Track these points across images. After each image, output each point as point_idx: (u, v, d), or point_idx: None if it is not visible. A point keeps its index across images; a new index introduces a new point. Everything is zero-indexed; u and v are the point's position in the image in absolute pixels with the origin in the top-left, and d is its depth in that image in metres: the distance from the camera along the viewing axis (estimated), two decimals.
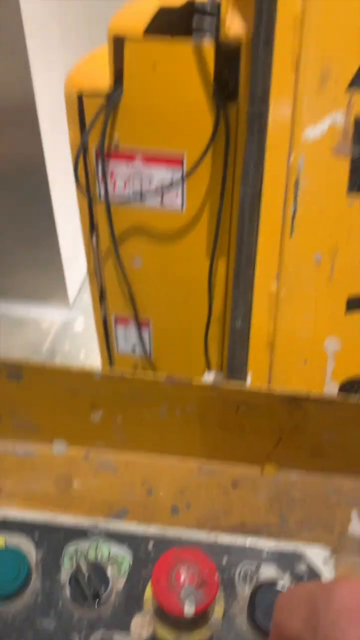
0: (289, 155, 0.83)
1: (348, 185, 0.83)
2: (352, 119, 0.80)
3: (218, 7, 0.84)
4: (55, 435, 0.65)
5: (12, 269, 2.12)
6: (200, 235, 1.04)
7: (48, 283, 2.14)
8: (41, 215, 1.90)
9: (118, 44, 0.88)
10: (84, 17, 1.96)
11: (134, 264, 1.10)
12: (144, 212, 1.03)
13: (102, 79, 0.93)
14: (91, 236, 1.09)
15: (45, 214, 1.89)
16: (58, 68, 1.75)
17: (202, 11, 0.87)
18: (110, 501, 0.61)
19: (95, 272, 1.15)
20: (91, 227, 1.08)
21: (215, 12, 0.85)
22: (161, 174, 0.98)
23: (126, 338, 1.24)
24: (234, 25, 0.84)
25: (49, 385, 0.60)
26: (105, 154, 0.96)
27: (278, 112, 0.81)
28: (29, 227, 1.95)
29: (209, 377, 1.13)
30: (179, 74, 0.88)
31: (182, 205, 1.01)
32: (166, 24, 0.89)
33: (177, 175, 0.98)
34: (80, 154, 0.97)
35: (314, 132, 0.82)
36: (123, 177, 1.00)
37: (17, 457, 0.65)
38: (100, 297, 1.20)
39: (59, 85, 0.95)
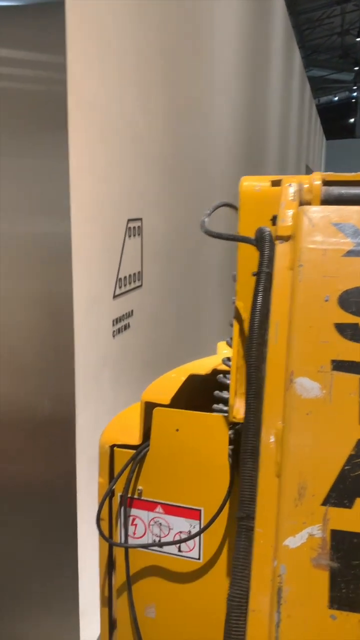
0: (273, 561, 0.87)
1: (329, 600, 0.83)
2: (328, 534, 0.84)
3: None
4: None
5: (24, 612, 1.99)
6: (217, 584, 1.05)
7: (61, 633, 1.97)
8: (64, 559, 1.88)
9: (148, 409, 1.07)
10: None
11: (147, 613, 1.10)
12: (161, 559, 1.07)
13: (133, 435, 1.09)
14: (107, 580, 1.12)
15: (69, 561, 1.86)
16: None
17: (221, 387, 1.06)
18: None
19: (110, 629, 1.14)
20: (108, 570, 1.11)
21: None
22: (180, 524, 1.06)
23: None
24: (240, 408, 0.97)
25: None
26: (129, 501, 1.07)
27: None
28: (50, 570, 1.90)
29: None
30: (198, 438, 1.02)
31: (200, 554, 1.06)
32: (192, 388, 1.07)
33: (195, 526, 1.05)
34: (107, 497, 1.08)
35: (294, 541, 0.85)
36: (144, 524, 1.07)
37: None
38: None
39: None
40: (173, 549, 1.07)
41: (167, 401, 1.06)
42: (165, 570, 1.08)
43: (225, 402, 1.02)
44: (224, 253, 4.20)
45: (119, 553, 1.10)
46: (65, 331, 1.71)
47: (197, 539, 1.04)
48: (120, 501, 1.08)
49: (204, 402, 1.08)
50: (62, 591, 1.90)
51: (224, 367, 1.12)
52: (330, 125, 18.40)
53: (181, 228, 2.91)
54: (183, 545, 1.06)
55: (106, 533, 1.10)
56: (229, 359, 1.07)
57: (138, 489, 1.07)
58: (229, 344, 1.07)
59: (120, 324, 2.11)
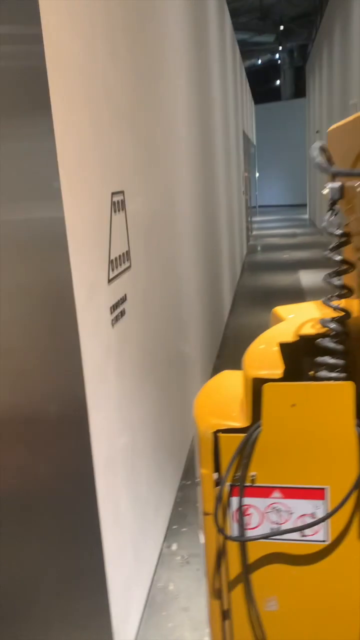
0: None
1: None
2: None
3: (341, 348, 0.92)
4: None
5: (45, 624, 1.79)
6: (350, 568, 0.96)
7: None
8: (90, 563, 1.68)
9: (257, 386, 0.93)
10: None
11: (268, 606, 1.01)
12: (282, 547, 0.98)
13: (233, 417, 0.98)
14: (216, 576, 1.02)
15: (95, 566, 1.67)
16: None
17: (324, 352, 0.95)
18: None
19: (223, 626, 1.03)
20: (217, 563, 1.02)
21: (342, 355, 0.92)
22: (302, 507, 0.95)
23: None
24: None
25: None
26: (240, 490, 0.96)
27: None
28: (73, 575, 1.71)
29: None
30: (319, 412, 0.91)
31: (326, 535, 0.95)
32: (286, 355, 0.96)
33: (320, 506, 0.94)
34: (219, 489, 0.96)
35: None
36: (259, 512, 0.98)
37: None
38: None
39: None
40: (295, 534, 0.97)
41: (279, 375, 0.94)
42: (287, 558, 0.98)
43: (331, 367, 0.93)
44: (204, 223, 4.01)
45: (230, 545, 1.00)
46: (68, 324, 1.49)
47: (323, 521, 0.94)
48: (230, 491, 0.97)
49: (291, 372, 0.96)
50: (89, 601, 1.72)
51: (310, 332, 1.02)
52: (257, 89, 18.31)
53: (162, 200, 2.69)
54: (308, 531, 0.96)
55: (213, 527, 0.98)
56: (332, 319, 0.98)
57: (251, 476, 0.96)
58: (328, 304, 0.97)
59: (117, 311, 1.89)
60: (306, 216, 17.33)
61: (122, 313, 1.95)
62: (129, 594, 1.96)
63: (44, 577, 1.72)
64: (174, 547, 2.52)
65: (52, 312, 1.49)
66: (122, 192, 1.97)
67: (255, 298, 7.23)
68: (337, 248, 0.95)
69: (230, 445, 0.96)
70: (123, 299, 1.97)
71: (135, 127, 2.25)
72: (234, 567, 1.01)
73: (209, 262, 4.80)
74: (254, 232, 14.07)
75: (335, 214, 0.93)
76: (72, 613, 1.74)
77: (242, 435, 0.95)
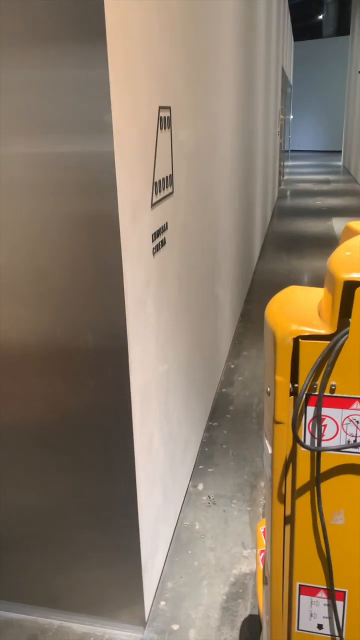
0: None
1: None
2: None
3: None
4: None
5: (72, 569, 1.76)
6: None
7: (119, 592, 1.76)
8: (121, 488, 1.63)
9: (349, 289, 0.88)
10: None
11: (335, 520, 0.98)
12: (356, 460, 0.94)
13: (314, 323, 0.92)
14: (282, 484, 0.99)
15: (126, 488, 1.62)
16: None
17: None
18: None
19: (283, 530, 1.00)
20: (284, 475, 0.99)
21: None
22: None
23: (312, 613, 1.05)
24: None
25: None
26: (317, 399, 0.93)
27: None
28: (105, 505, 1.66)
29: None
30: None
31: None
32: None
33: None
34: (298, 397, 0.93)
35: None
36: (335, 423, 0.95)
37: None
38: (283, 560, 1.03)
39: None
40: None
41: None
42: (359, 471, 0.94)
43: None
44: (242, 160, 3.77)
45: (301, 456, 0.96)
46: (112, 251, 1.38)
47: None
48: (306, 400, 0.93)
49: None
50: (121, 534, 1.68)
51: None
52: (297, 25, 17.30)
53: (206, 125, 2.51)
54: None
55: (284, 436, 0.95)
56: None
57: (332, 385, 0.92)
58: None
59: (158, 240, 1.76)
60: (340, 163, 16.72)
61: (163, 242, 1.83)
62: (158, 529, 1.92)
63: (78, 508, 1.68)
64: (200, 486, 2.49)
65: (96, 234, 1.37)
66: (168, 108, 1.81)
67: (285, 244, 7.02)
68: None
69: (311, 352, 0.91)
70: (164, 227, 1.84)
71: (186, 40, 2.06)
72: (302, 477, 0.98)
73: (244, 201, 4.61)
74: (286, 177, 13.62)
75: None
76: (104, 544, 1.70)
77: (326, 342, 0.90)
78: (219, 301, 3.26)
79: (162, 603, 1.91)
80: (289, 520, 1.01)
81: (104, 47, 1.23)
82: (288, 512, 1.02)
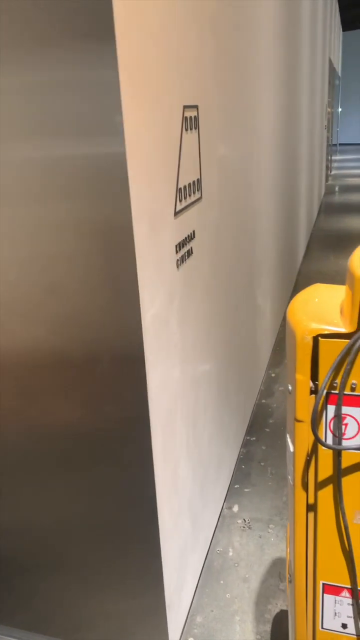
0: None
1: None
2: None
3: None
4: None
5: (88, 604, 1.65)
6: None
7: (141, 628, 1.64)
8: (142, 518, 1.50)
9: None
10: None
11: (358, 519, 0.97)
12: None
13: (335, 321, 0.91)
14: (304, 483, 0.98)
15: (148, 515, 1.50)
16: None
17: None
18: None
19: (306, 529, 1.00)
20: (305, 474, 0.98)
21: None
22: None
23: (335, 612, 1.05)
24: None
25: None
26: (337, 398, 0.92)
27: None
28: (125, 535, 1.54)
29: None
30: None
31: None
32: None
33: None
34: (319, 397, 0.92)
35: None
36: (356, 422, 0.93)
37: None
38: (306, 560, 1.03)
39: None
40: None
41: None
42: None
43: None
44: (284, 156, 3.58)
45: (322, 455, 0.95)
46: (125, 263, 1.25)
47: None
48: (326, 399, 0.92)
49: None
50: (142, 571, 1.56)
51: None
52: (346, 14, 16.74)
53: (240, 123, 2.35)
54: None
55: (305, 434, 0.94)
56: None
57: (352, 384, 0.91)
58: None
59: (184, 251, 1.62)
60: None
61: (190, 252, 1.69)
62: (186, 560, 1.79)
63: (98, 538, 1.57)
64: (235, 508, 2.34)
65: (109, 246, 1.24)
66: (195, 107, 1.66)
67: (333, 243, 6.75)
68: None
69: (331, 351, 0.91)
70: (191, 236, 1.69)
71: (217, 33, 1.90)
72: (323, 476, 0.97)
73: (286, 200, 4.41)
74: (334, 172, 13.22)
75: None
76: (125, 579, 1.58)
77: (346, 341, 0.90)
78: (259, 308, 3.10)
79: (191, 639, 1.78)
80: (311, 518, 1.00)
81: (111, 44, 1.10)
82: (310, 512, 1.01)
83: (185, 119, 1.56)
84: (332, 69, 11.54)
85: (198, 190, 1.75)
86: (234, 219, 2.38)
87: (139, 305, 1.28)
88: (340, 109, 18.20)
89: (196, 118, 1.67)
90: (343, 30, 17.30)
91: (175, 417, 1.62)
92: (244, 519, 2.28)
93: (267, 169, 3.28)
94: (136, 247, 1.24)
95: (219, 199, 2.06)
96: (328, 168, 11.81)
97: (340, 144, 18.64)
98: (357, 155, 17.02)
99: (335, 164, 14.47)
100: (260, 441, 2.80)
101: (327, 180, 11.32)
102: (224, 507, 2.34)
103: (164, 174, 1.43)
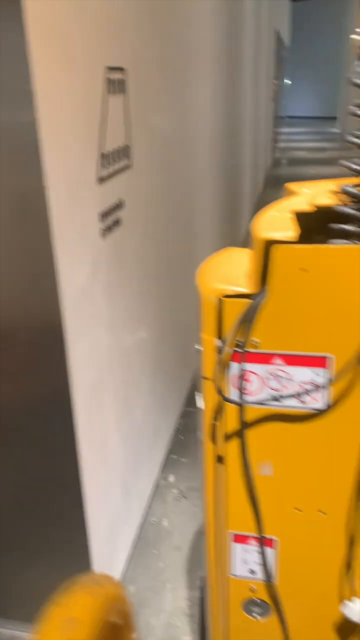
0: None
1: None
2: None
3: None
4: None
5: (16, 576, 1.63)
6: (345, 437, 0.95)
7: None
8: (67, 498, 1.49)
9: (268, 249, 0.89)
10: None
11: (263, 471, 1.01)
12: (280, 413, 0.98)
13: (238, 282, 0.94)
14: (212, 439, 1.02)
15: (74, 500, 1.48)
16: None
17: (350, 218, 0.89)
18: None
19: (214, 481, 1.04)
20: (213, 429, 1.02)
21: None
22: (303, 375, 0.94)
23: (244, 559, 1.10)
24: None
25: None
26: (241, 355, 0.95)
27: None
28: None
29: (354, 606, 1.02)
30: (330, 277, 0.87)
31: (325, 405, 0.95)
32: (304, 227, 0.91)
33: (321, 374, 0.93)
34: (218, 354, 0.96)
35: None
36: (260, 378, 0.97)
37: None
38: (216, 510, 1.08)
39: None
40: (294, 401, 0.96)
41: (294, 237, 0.88)
42: (284, 424, 0.98)
43: (348, 235, 0.88)
44: (225, 128, 3.53)
45: (229, 410, 0.99)
46: (41, 235, 1.20)
47: (323, 388, 0.94)
48: (231, 356, 0.95)
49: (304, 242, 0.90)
50: (68, 542, 1.55)
51: (327, 202, 0.95)
52: None
53: (174, 90, 2.29)
54: (307, 398, 0.95)
55: (212, 391, 0.98)
56: (354, 185, 0.94)
57: (254, 341, 0.94)
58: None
59: (110, 220, 1.58)
60: (337, 130, 16.30)
61: (117, 222, 1.64)
62: (117, 531, 1.79)
63: (25, 518, 1.54)
64: (171, 478, 2.35)
65: (23, 217, 1.19)
66: (121, 70, 1.60)
67: None
68: None
69: (234, 310, 0.94)
70: (118, 205, 1.65)
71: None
72: (230, 430, 1.00)
73: (228, 171, 4.38)
74: (282, 145, 13.27)
75: None
76: (52, 553, 1.57)
77: (248, 300, 0.93)
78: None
79: None
80: (219, 471, 1.04)
81: (17, 2, 1.03)
82: (218, 466, 1.05)
83: (109, 81, 1.50)
84: (279, 40, 11.49)
85: (127, 157, 1.70)
86: (170, 189, 2.34)
87: (57, 276, 1.24)
88: (288, 82, 18.20)
89: (123, 81, 1.61)
90: (293, 1, 17.20)
91: (103, 389, 1.59)
92: (180, 489, 2.29)
93: (205, 140, 3.24)
94: (53, 214, 1.19)
95: (152, 167, 2.02)
96: (275, 140, 11.84)
97: (289, 117, 18.68)
98: (306, 129, 17.13)
99: (283, 137, 14.52)
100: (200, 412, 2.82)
101: (273, 152, 11.35)
102: (160, 477, 2.35)
103: (85, 138, 1.37)
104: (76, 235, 1.34)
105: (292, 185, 1.23)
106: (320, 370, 0.94)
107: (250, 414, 0.99)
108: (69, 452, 1.40)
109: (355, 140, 0.94)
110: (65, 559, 1.57)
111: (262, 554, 1.08)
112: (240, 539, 1.09)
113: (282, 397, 0.97)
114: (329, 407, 0.95)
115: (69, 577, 1.57)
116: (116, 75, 1.56)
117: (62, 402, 1.35)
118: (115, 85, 1.56)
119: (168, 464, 2.43)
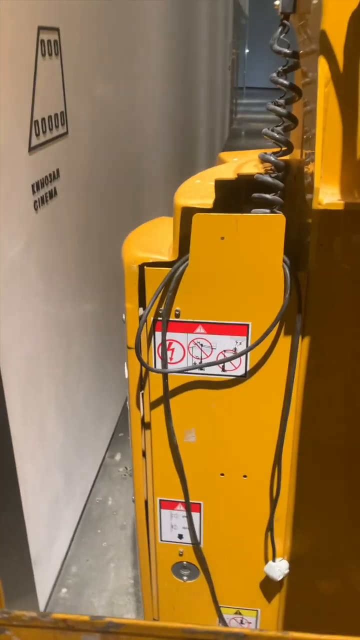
0: None
1: None
2: None
3: (281, 184, 0.89)
4: None
5: None
6: (266, 403, 0.98)
7: (10, 587, 1.59)
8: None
9: (186, 217, 0.89)
10: None
11: (187, 438, 1.04)
12: (202, 380, 0.99)
13: (161, 251, 0.94)
14: (138, 408, 1.03)
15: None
16: None
17: (270, 187, 0.89)
18: None
19: (143, 453, 1.07)
20: (138, 399, 1.03)
21: (281, 189, 0.89)
22: (224, 343, 0.96)
23: (172, 524, 1.13)
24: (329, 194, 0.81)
25: None
26: (163, 325, 0.96)
27: None
28: None
29: (276, 566, 1.08)
30: (248, 245, 0.88)
31: (246, 372, 0.97)
32: (223, 195, 0.92)
33: (242, 342, 0.95)
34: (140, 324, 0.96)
35: None
36: (182, 347, 0.98)
37: None
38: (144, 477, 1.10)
39: None
40: (216, 369, 0.98)
41: (210, 205, 0.88)
42: (207, 392, 1.00)
43: (269, 204, 0.88)
44: (178, 97, 3.43)
45: (153, 379, 1.00)
46: None
47: (243, 356, 0.95)
48: (153, 326, 0.96)
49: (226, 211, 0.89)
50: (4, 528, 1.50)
51: (251, 171, 0.95)
52: None
53: (118, 54, 2.18)
54: (227, 364, 0.97)
55: (136, 360, 0.97)
56: (274, 153, 0.93)
57: (175, 311, 0.95)
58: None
59: (43, 191, 1.50)
60: None
61: (52, 193, 1.56)
62: (58, 513, 1.75)
63: None
64: (118, 457, 2.33)
65: None
66: (56, 30, 1.50)
67: None
68: (287, 72, 0.91)
69: (156, 279, 0.93)
70: (54, 175, 1.57)
71: None
72: (154, 399, 1.01)
73: (181, 142, 4.29)
74: (239, 116, 13.15)
75: (286, 32, 0.86)
76: None
77: (168, 269, 0.92)
78: None
79: (64, 590, 1.77)
80: (147, 439, 1.06)
81: None
82: (145, 436, 1.06)
83: (41, 42, 1.40)
84: (237, 8, 11.27)
85: (63, 125, 1.61)
86: (114, 159, 2.25)
87: None
88: (247, 50, 17.97)
89: (57, 42, 1.51)
90: None
91: (40, 370, 1.53)
92: (126, 467, 2.27)
93: (156, 108, 3.14)
94: None
95: (92, 136, 1.93)
96: (233, 112, 11.71)
97: (247, 88, 18.49)
98: (265, 100, 16.98)
99: (241, 108, 14.38)
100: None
101: (231, 124, 11.24)
102: (106, 456, 2.31)
103: (14, 105, 1.28)
104: (5, 208, 1.25)
105: (224, 155, 1.20)
106: (241, 339, 0.96)
107: (174, 382, 1.00)
108: (1, 436, 1.34)
109: (276, 108, 0.93)
110: (3, 546, 1.52)
111: (189, 518, 1.11)
112: (168, 505, 1.12)
113: (204, 365, 0.98)
114: (249, 374, 0.98)
115: (6, 562, 1.53)
116: (50, 36, 1.46)
117: None
118: (49, 46, 1.46)
119: (115, 443, 2.40)
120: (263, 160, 0.94)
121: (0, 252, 1.24)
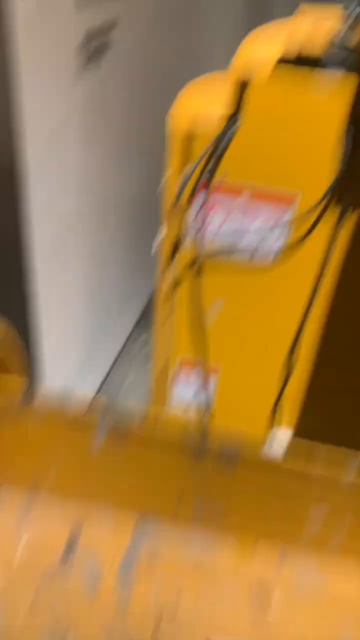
0: None
1: None
2: None
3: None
4: None
5: None
6: (297, 283, 0.97)
7: None
8: None
9: (248, 71, 0.82)
10: None
11: (215, 306, 1.05)
12: (239, 249, 0.97)
13: (213, 111, 0.87)
14: (167, 271, 1.01)
15: None
16: None
17: (339, 46, 0.80)
18: None
19: (169, 310, 1.07)
20: (172, 256, 1.01)
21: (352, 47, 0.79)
22: (267, 213, 0.92)
23: (188, 383, 1.17)
24: None
25: None
26: (208, 186, 0.90)
27: None
28: None
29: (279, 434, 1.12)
30: (310, 106, 0.82)
31: (283, 248, 0.95)
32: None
33: (284, 215, 0.92)
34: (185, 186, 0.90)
35: None
36: (224, 213, 0.94)
37: None
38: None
39: None
40: (255, 238, 0.93)
41: (268, 68, 0.79)
42: (240, 266, 0.97)
43: (338, 61, 0.77)
44: None
45: (187, 243, 0.97)
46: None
47: (284, 229, 0.92)
48: (197, 186, 0.90)
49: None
50: None
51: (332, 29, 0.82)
52: None
53: None
54: (267, 239, 0.93)
55: (175, 218, 0.93)
56: None
57: (221, 174, 0.90)
58: None
59: (97, 42, 1.31)
60: None
61: (105, 46, 1.37)
62: (75, 388, 1.76)
63: None
64: (143, 337, 2.30)
65: None
66: None
67: None
68: None
69: (205, 139, 0.88)
70: (110, 25, 1.37)
71: None
72: (187, 263, 1.00)
73: None
74: None
75: None
76: None
77: (219, 128, 0.86)
78: None
79: None
80: (172, 301, 1.06)
81: None
82: (172, 295, 1.05)
83: None
84: None
85: None
86: (178, 10, 1.97)
87: (14, 114, 1.03)
88: None
89: None
90: None
91: (69, 238, 1.44)
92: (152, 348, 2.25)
93: None
94: (18, 39, 0.95)
95: None
96: None
97: None
98: None
99: None
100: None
101: None
102: (130, 338, 2.29)
103: None
104: (43, 62, 1.10)
105: (306, 6, 1.07)
106: (287, 208, 0.92)
107: (209, 250, 0.98)
108: (27, 309, 1.30)
109: None
110: None
111: (205, 378, 1.13)
112: (187, 365, 1.13)
113: (243, 234, 0.94)
114: (285, 249, 0.95)
115: None
116: None
117: (19, 262, 1.21)
118: None
119: (143, 324, 2.37)
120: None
121: (35, 116, 1.10)
